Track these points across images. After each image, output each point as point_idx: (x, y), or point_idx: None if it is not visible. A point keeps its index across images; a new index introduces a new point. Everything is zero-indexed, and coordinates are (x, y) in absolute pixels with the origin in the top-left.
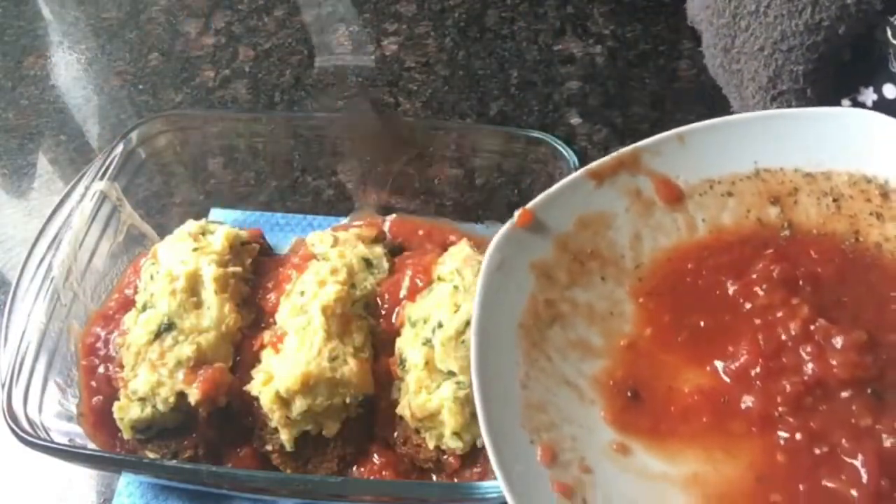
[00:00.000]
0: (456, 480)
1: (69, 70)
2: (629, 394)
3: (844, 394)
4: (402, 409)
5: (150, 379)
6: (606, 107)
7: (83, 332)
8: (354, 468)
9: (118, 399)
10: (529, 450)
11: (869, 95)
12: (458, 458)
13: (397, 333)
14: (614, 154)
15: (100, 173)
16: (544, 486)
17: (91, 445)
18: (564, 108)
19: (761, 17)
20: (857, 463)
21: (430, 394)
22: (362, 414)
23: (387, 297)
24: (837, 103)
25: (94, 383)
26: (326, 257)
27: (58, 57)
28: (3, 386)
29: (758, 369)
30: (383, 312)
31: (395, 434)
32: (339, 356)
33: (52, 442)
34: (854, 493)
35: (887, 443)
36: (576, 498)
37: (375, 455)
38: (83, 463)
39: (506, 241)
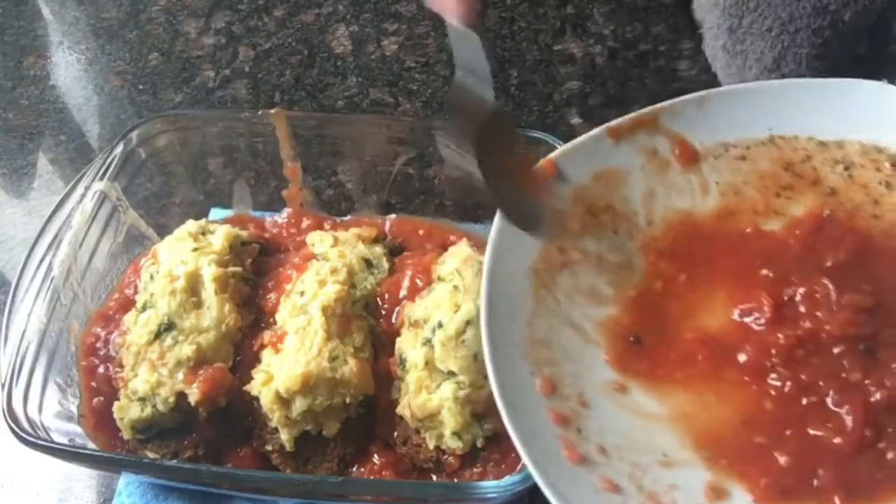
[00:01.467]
0: (456, 480)
1: (69, 70)
2: (632, 339)
3: (837, 349)
4: (402, 409)
5: (150, 379)
6: (606, 107)
7: (83, 332)
8: (354, 468)
9: (118, 399)
10: (529, 380)
11: None
12: (458, 458)
13: (397, 333)
14: (634, 113)
15: (100, 173)
16: (541, 414)
17: (91, 445)
18: (564, 108)
19: None
20: (843, 412)
21: (430, 394)
22: (362, 414)
23: (387, 297)
24: None
25: (94, 384)
26: (326, 257)
27: (58, 57)
28: (3, 386)
29: (759, 323)
30: (383, 312)
31: (395, 434)
32: (339, 356)
33: (52, 442)
34: (838, 440)
35: (875, 396)
36: (571, 427)
37: (375, 455)
38: (83, 463)
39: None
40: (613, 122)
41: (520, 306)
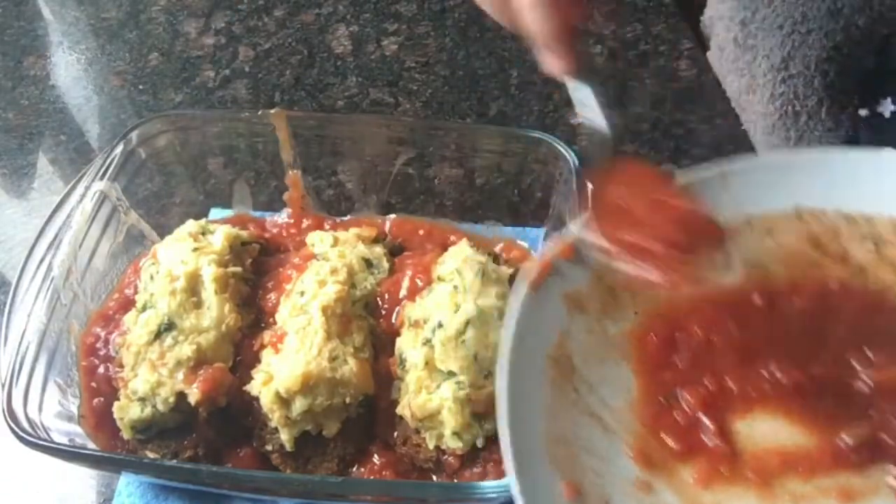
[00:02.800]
0: (456, 480)
1: (69, 70)
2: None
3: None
4: (402, 409)
5: (150, 379)
6: (606, 107)
7: (83, 332)
8: (354, 468)
9: (118, 399)
10: (554, 485)
11: (887, 106)
12: (458, 458)
13: (397, 333)
14: None
15: (100, 173)
16: None
17: (91, 445)
18: (564, 108)
19: None
20: None
21: (430, 394)
22: (362, 414)
23: (387, 297)
24: (851, 103)
25: (94, 384)
26: (326, 257)
27: (58, 57)
28: (3, 386)
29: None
30: (383, 312)
31: (395, 434)
32: (339, 356)
33: (52, 442)
34: None
35: None
36: None
37: (375, 455)
38: (83, 463)
39: (541, 272)
40: None
41: (539, 400)
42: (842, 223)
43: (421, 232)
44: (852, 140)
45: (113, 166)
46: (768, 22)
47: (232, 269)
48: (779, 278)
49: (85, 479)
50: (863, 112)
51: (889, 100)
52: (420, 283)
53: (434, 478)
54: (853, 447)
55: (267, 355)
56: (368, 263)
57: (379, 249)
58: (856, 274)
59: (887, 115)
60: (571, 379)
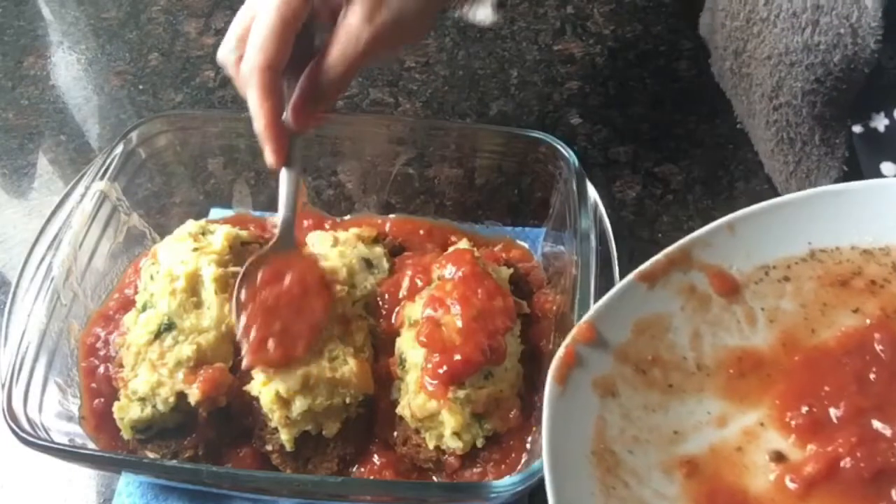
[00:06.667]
0: (456, 480)
1: (69, 70)
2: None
3: None
4: (402, 409)
5: (150, 379)
6: (606, 107)
7: (83, 333)
8: (354, 468)
9: (118, 399)
10: None
11: (881, 121)
12: (458, 458)
13: (397, 333)
14: (663, 252)
15: (100, 173)
16: None
17: (91, 445)
18: (564, 108)
19: (771, 26)
20: None
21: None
22: (362, 414)
23: (387, 297)
24: (844, 128)
25: (94, 385)
26: (326, 257)
27: (58, 57)
28: (3, 386)
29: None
30: (383, 312)
31: (395, 434)
32: (339, 356)
33: (53, 442)
34: None
35: None
36: None
37: (375, 455)
38: (83, 463)
39: (565, 361)
40: (643, 267)
41: (588, 502)
42: (858, 258)
43: (421, 232)
44: (851, 159)
45: (113, 166)
46: (759, 52)
47: (232, 269)
48: (802, 323)
49: (85, 479)
50: (856, 129)
51: (882, 114)
52: (420, 283)
53: (434, 478)
54: None
55: None
56: (368, 263)
57: (379, 249)
58: (880, 311)
59: (881, 129)
60: (618, 473)
